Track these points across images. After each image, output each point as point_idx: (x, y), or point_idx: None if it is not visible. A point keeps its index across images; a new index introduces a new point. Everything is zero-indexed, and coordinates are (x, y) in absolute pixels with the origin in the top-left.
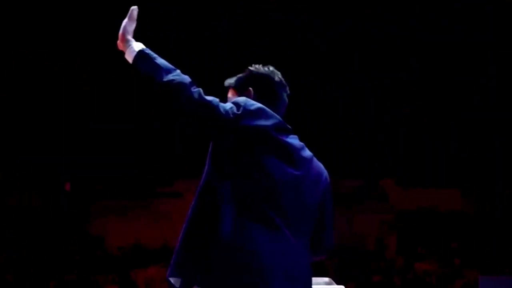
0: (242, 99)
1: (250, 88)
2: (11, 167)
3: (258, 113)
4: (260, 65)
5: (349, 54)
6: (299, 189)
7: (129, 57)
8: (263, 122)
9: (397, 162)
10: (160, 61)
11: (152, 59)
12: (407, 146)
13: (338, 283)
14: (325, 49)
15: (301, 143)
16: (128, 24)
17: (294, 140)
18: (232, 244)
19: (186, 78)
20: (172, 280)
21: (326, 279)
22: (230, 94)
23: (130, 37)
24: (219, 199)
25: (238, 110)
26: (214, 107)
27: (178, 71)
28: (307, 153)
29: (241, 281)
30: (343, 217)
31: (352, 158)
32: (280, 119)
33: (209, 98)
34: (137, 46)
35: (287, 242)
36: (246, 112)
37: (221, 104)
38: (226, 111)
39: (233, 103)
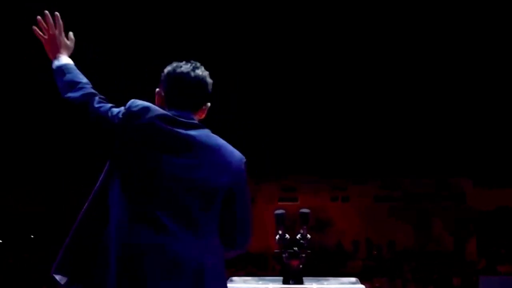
0: (129, 102)
1: (157, 89)
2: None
3: (142, 112)
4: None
5: None
6: (190, 178)
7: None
8: (146, 119)
9: (474, 162)
10: (69, 76)
11: (62, 75)
12: (485, 146)
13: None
14: None
15: (205, 133)
16: (58, 34)
17: (191, 131)
18: (116, 242)
19: (84, 93)
20: (57, 277)
21: (353, 279)
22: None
23: (61, 50)
24: (109, 200)
25: (122, 113)
26: (103, 115)
27: (81, 85)
28: (212, 141)
29: (121, 278)
30: (419, 218)
31: (428, 157)
32: (168, 112)
33: (100, 106)
34: (60, 61)
35: (171, 235)
36: (130, 114)
37: (112, 110)
38: (113, 117)
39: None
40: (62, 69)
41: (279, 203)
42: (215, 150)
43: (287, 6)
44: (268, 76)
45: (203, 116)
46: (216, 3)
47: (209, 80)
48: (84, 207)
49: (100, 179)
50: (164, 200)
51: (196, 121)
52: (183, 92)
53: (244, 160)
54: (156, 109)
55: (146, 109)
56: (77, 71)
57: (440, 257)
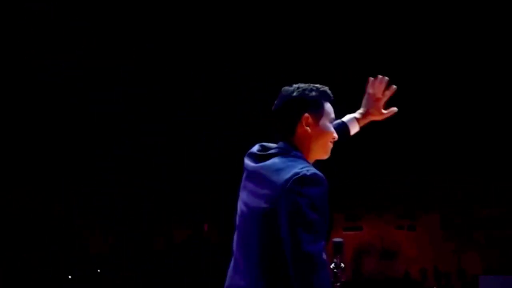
0: None
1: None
2: None
3: None
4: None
5: None
6: (245, 202)
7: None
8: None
9: None
10: None
11: None
12: None
13: None
14: None
15: (275, 159)
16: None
17: (263, 162)
18: None
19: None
20: None
21: None
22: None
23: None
24: None
25: None
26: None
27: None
28: (270, 165)
29: None
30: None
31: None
32: (255, 147)
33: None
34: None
35: (236, 266)
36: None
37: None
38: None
39: None
40: None
41: (344, 232)
42: (267, 174)
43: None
44: None
45: (304, 127)
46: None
47: (285, 93)
48: None
49: None
50: (237, 231)
51: (275, 150)
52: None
53: (297, 176)
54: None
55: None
56: None
57: None
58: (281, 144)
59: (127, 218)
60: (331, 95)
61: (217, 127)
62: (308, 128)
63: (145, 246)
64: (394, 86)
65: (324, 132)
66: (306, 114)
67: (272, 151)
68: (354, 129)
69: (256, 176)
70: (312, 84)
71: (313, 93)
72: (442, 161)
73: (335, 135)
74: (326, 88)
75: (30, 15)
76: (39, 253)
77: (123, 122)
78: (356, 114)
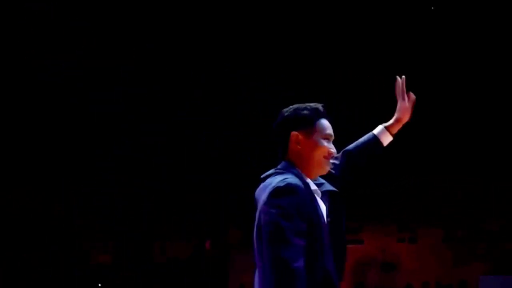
0: None
1: None
2: None
3: None
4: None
5: None
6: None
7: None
8: None
9: None
10: None
11: None
12: None
13: None
14: None
15: (267, 181)
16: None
17: (261, 184)
18: None
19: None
20: None
21: None
22: None
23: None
24: None
25: None
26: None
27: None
28: (262, 186)
29: None
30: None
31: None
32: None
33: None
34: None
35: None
36: None
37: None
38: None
39: None
40: None
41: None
42: (260, 194)
43: None
44: None
45: (295, 145)
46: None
47: (280, 114)
48: None
49: None
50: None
51: (273, 170)
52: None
53: (271, 189)
54: None
55: None
56: None
57: None
58: (281, 164)
59: (127, 218)
60: (324, 111)
61: (217, 127)
62: (298, 145)
63: (145, 247)
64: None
65: (316, 148)
66: (295, 132)
67: (270, 171)
68: (386, 138)
69: (257, 198)
70: (308, 104)
71: (304, 112)
72: (444, 171)
73: (331, 150)
74: (319, 106)
75: (30, 15)
76: (39, 253)
77: (123, 122)
78: (386, 123)
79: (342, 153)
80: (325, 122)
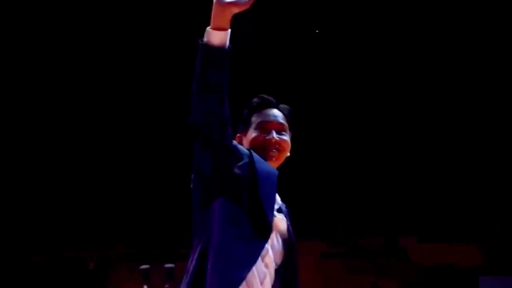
0: None
1: None
2: None
3: None
4: None
5: None
6: None
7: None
8: None
9: (418, 218)
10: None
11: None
12: (428, 201)
13: None
14: None
15: None
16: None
17: None
18: None
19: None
20: None
21: None
22: None
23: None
24: None
25: None
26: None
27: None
28: None
29: None
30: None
31: (373, 215)
32: None
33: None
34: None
35: None
36: None
37: None
38: None
39: None
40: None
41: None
42: None
43: None
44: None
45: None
46: None
47: None
48: None
49: None
50: None
51: None
52: None
53: None
54: None
55: None
56: None
57: None
58: None
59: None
60: (261, 101)
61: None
62: (245, 145)
63: (146, 249)
64: None
65: (252, 142)
66: (238, 135)
67: None
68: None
69: None
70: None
71: (244, 114)
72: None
73: (267, 137)
74: (256, 98)
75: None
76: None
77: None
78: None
79: None
80: (260, 113)
